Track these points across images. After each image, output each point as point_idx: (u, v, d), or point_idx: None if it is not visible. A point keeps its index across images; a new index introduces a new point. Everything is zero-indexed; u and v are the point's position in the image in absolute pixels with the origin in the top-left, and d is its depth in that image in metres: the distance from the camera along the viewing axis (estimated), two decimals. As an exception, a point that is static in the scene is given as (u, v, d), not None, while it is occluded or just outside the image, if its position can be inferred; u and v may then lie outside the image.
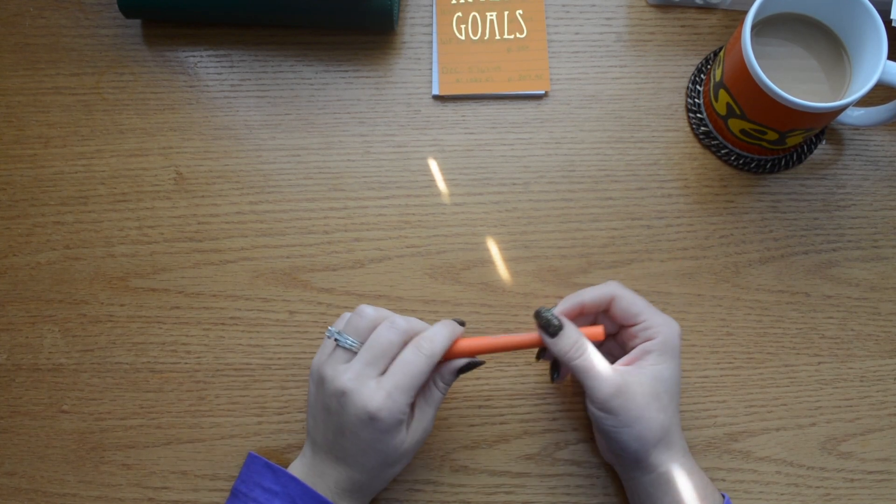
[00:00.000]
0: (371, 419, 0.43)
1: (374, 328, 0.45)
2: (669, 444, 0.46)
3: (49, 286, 0.56)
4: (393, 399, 0.43)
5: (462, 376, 0.54)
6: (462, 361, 0.47)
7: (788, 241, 0.56)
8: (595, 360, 0.45)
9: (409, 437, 0.45)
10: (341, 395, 0.44)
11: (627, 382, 0.45)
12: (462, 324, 0.48)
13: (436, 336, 0.45)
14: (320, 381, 0.45)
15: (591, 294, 0.47)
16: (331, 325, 0.47)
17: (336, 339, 0.45)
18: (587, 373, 0.45)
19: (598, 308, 0.48)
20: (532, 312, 0.47)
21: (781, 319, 0.55)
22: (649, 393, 0.45)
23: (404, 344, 0.45)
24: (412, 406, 0.46)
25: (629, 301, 0.47)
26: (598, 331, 0.47)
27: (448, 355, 0.46)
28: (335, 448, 0.45)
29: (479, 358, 0.47)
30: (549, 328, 0.45)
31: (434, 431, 0.53)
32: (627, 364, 0.46)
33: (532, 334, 0.47)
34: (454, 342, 0.46)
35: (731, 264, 0.56)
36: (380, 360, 0.44)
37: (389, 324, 0.45)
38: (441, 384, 0.47)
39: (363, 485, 0.46)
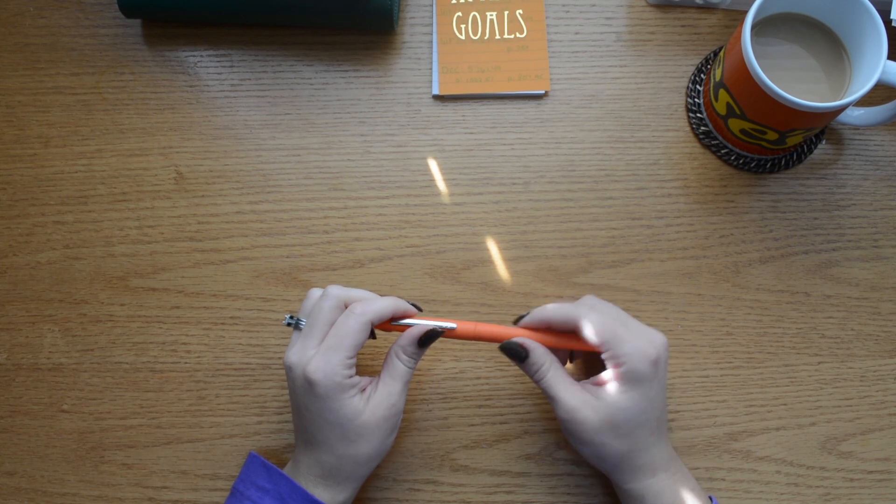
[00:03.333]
0: (310, 385, 0.44)
1: (325, 305, 0.46)
2: (634, 467, 0.46)
3: (49, 286, 0.56)
4: (326, 360, 0.44)
5: (461, 377, 0.53)
6: (421, 329, 0.46)
7: (788, 241, 0.56)
8: (555, 383, 0.46)
9: (368, 408, 0.45)
10: (289, 371, 0.45)
11: (581, 408, 0.45)
12: (437, 333, 0.47)
13: (373, 301, 0.46)
14: (285, 369, 0.46)
15: (558, 316, 0.46)
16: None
17: (288, 324, 0.47)
18: (548, 393, 0.46)
19: (566, 328, 0.47)
20: (533, 311, 0.47)
21: (781, 319, 0.55)
22: (604, 420, 0.45)
23: (341, 311, 0.46)
24: (378, 381, 0.46)
25: (595, 329, 0.45)
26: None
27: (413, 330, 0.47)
28: (303, 432, 0.46)
29: (445, 324, 0.46)
30: (517, 357, 0.46)
31: (434, 431, 0.53)
32: (596, 385, 0.46)
33: (511, 330, 0.47)
34: (403, 315, 0.47)
35: (731, 264, 0.56)
36: (316, 330, 0.45)
37: (324, 294, 0.46)
38: (403, 356, 0.46)
39: (332, 467, 0.45)
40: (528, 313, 0.47)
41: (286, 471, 0.48)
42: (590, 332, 0.45)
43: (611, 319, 0.46)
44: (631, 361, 0.45)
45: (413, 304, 0.47)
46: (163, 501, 0.53)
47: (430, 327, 0.46)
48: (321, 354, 0.44)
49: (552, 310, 0.46)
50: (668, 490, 0.46)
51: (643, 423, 0.45)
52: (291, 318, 0.47)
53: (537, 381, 0.47)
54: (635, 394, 0.45)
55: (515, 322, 0.48)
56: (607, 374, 0.46)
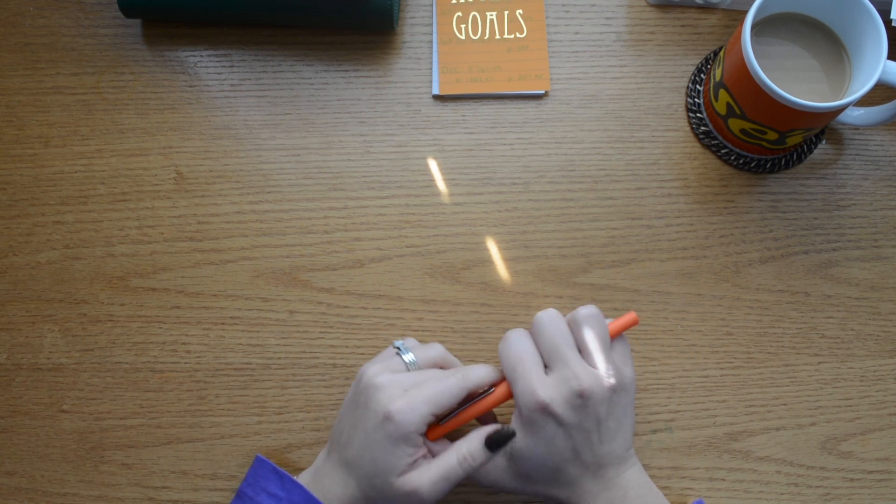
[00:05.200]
0: (386, 418, 0.43)
1: (437, 364, 0.47)
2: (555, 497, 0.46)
3: (49, 286, 0.56)
4: (412, 406, 0.43)
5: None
6: (490, 429, 0.45)
7: (788, 241, 0.56)
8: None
9: (408, 475, 0.43)
10: (372, 389, 0.44)
11: (490, 470, 0.45)
12: (511, 435, 0.45)
13: (475, 367, 0.46)
14: (361, 376, 0.46)
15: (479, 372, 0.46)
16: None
17: (398, 350, 0.47)
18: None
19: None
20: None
21: (781, 319, 0.55)
22: (513, 472, 0.45)
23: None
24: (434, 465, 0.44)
25: (502, 364, 0.45)
26: (632, 316, 0.47)
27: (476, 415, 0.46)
28: (346, 446, 0.45)
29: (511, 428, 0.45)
30: (506, 441, 0.45)
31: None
32: None
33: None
34: (498, 388, 0.46)
35: (731, 264, 0.56)
36: (418, 377, 0.45)
37: (454, 371, 0.46)
38: (467, 455, 0.44)
39: (356, 498, 0.44)
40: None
41: (305, 478, 0.47)
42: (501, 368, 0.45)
43: (518, 354, 0.45)
44: (519, 402, 0.44)
45: (507, 427, 0.45)
46: (163, 501, 0.53)
47: (506, 432, 0.44)
48: (411, 398, 0.43)
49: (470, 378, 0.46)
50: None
51: (551, 466, 0.44)
52: (403, 348, 0.47)
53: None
54: (533, 439, 0.44)
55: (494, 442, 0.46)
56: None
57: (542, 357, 0.45)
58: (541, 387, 0.43)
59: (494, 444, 0.44)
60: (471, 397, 0.46)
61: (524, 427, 0.44)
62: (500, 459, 0.45)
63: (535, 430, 0.44)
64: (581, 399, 0.43)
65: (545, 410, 0.43)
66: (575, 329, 0.46)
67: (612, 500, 0.45)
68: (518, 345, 0.45)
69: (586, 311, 0.46)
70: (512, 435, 0.44)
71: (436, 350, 0.47)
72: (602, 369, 0.44)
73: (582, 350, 0.45)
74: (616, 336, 0.47)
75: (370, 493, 0.44)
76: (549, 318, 0.46)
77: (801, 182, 0.57)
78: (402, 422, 0.42)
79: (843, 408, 0.54)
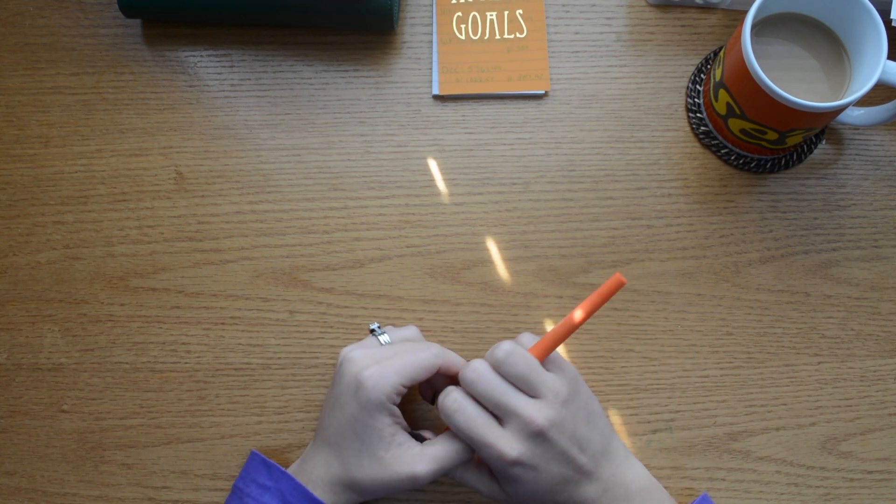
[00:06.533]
0: (357, 386, 0.44)
1: (412, 342, 0.48)
2: None
3: (49, 286, 0.56)
4: (382, 374, 0.44)
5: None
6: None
7: (788, 241, 0.56)
8: (466, 474, 0.48)
9: (389, 450, 0.44)
10: (346, 363, 0.46)
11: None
12: None
13: (453, 355, 0.47)
14: (340, 359, 0.47)
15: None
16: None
17: (373, 331, 0.49)
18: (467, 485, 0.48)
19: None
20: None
21: (781, 319, 0.55)
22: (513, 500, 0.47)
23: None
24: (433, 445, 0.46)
25: (461, 435, 0.45)
26: (617, 279, 0.45)
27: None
28: (327, 426, 0.46)
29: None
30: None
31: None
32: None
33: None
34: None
35: (731, 264, 0.56)
36: (390, 351, 0.46)
37: (427, 344, 0.47)
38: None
39: (336, 476, 0.45)
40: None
41: (293, 467, 0.48)
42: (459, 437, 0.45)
43: (467, 419, 0.44)
44: (491, 465, 0.45)
45: None
46: (163, 501, 0.53)
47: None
48: (381, 367, 0.44)
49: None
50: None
51: (547, 497, 0.45)
52: (379, 327, 0.49)
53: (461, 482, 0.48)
54: (520, 487, 0.45)
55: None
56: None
57: (488, 410, 0.45)
58: (506, 446, 0.43)
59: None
60: (451, 377, 0.47)
61: (506, 482, 0.45)
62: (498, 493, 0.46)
63: (517, 481, 0.44)
64: (543, 435, 0.43)
65: (518, 464, 0.44)
66: (502, 372, 0.45)
67: (616, 499, 0.45)
68: (463, 413, 0.44)
69: (500, 353, 0.45)
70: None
71: (410, 331, 0.50)
72: (544, 395, 0.44)
73: (519, 388, 0.45)
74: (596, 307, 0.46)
75: (357, 474, 0.44)
76: (477, 376, 0.45)
77: (801, 182, 0.57)
78: (373, 387, 0.44)
79: (843, 408, 0.54)
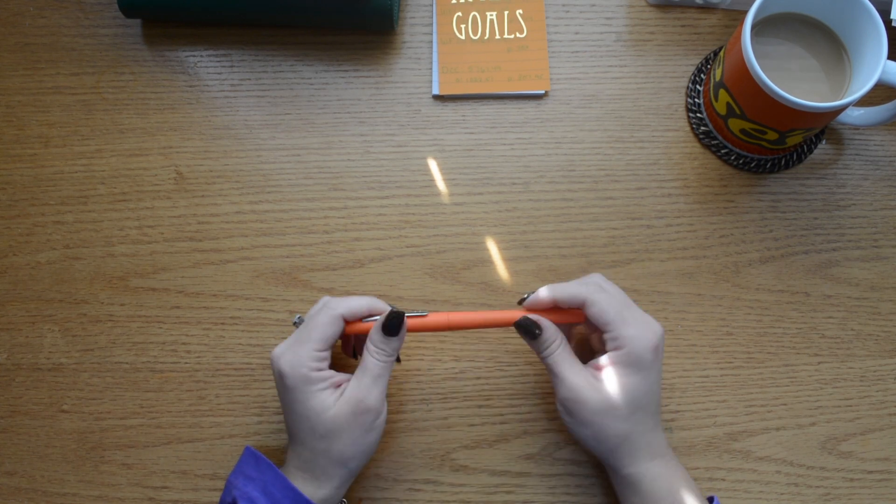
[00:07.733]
0: (280, 376, 0.45)
1: (358, 315, 0.48)
2: (633, 450, 0.46)
3: (49, 286, 0.56)
4: (295, 352, 0.45)
5: (462, 377, 0.53)
6: (381, 317, 0.46)
7: (788, 241, 0.56)
8: (561, 361, 0.47)
9: (337, 403, 0.45)
10: (271, 362, 0.47)
11: (584, 388, 0.46)
12: (399, 315, 0.47)
13: (348, 298, 0.47)
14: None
15: (566, 294, 0.47)
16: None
17: (294, 323, 0.49)
18: (553, 371, 0.47)
19: (573, 306, 0.47)
20: (540, 290, 0.48)
21: (781, 319, 0.55)
22: (604, 401, 0.45)
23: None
24: (352, 378, 0.46)
25: (599, 309, 0.46)
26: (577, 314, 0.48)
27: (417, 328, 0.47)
28: (287, 424, 0.47)
29: (412, 313, 0.47)
30: (530, 334, 0.47)
31: (434, 431, 0.53)
32: (595, 368, 0.47)
33: (507, 315, 0.48)
34: (378, 313, 0.47)
35: (731, 264, 0.56)
36: (300, 329, 0.47)
37: (322, 304, 0.47)
38: (371, 347, 0.46)
39: (308, 461, 0.46)
40: (533, 292, 0.48)
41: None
42: (596, 312, 0.46)
43: (616, 301, 0.46)
44: (632, 345, 0.45)
45: (394, 308, 0.47)
46: (163, 501, 0.53)
47: (391, 311, 0.46)
48: (291, 347, 0.46)
49: (560, 288, 0.47)
50: (665, 475, 0.46)
51: (642, 407, 0.46)
52: (300, 318, 0.49)
53: (544, 359, 0.47)
54: (636, 378, 0.45)
55: (521, 302, 0.48)
56: (606, 359, 0.46)
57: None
58: (648, 331, 0.46)
59: (388, 328, 0.46)
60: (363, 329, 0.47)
61: (629, 370, 0.46)
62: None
63: (640, 371, 0.46)
64: (663, 342, 0.47)
65: (656, 350, 0.46)
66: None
67: (660, 477, 0.47)
68: (616, 293, 0.47)
69: (598, 276, 0.48)
70: (400, 314, 0.46)
71: (318, 302, 0.48)
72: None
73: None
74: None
75: (319, 446, 0.45)
76: (605, 279, 0.48)
77: (801, 182, 0.57)
78: (291, 369, 0.45)
79: (843, 408, 0.54)
